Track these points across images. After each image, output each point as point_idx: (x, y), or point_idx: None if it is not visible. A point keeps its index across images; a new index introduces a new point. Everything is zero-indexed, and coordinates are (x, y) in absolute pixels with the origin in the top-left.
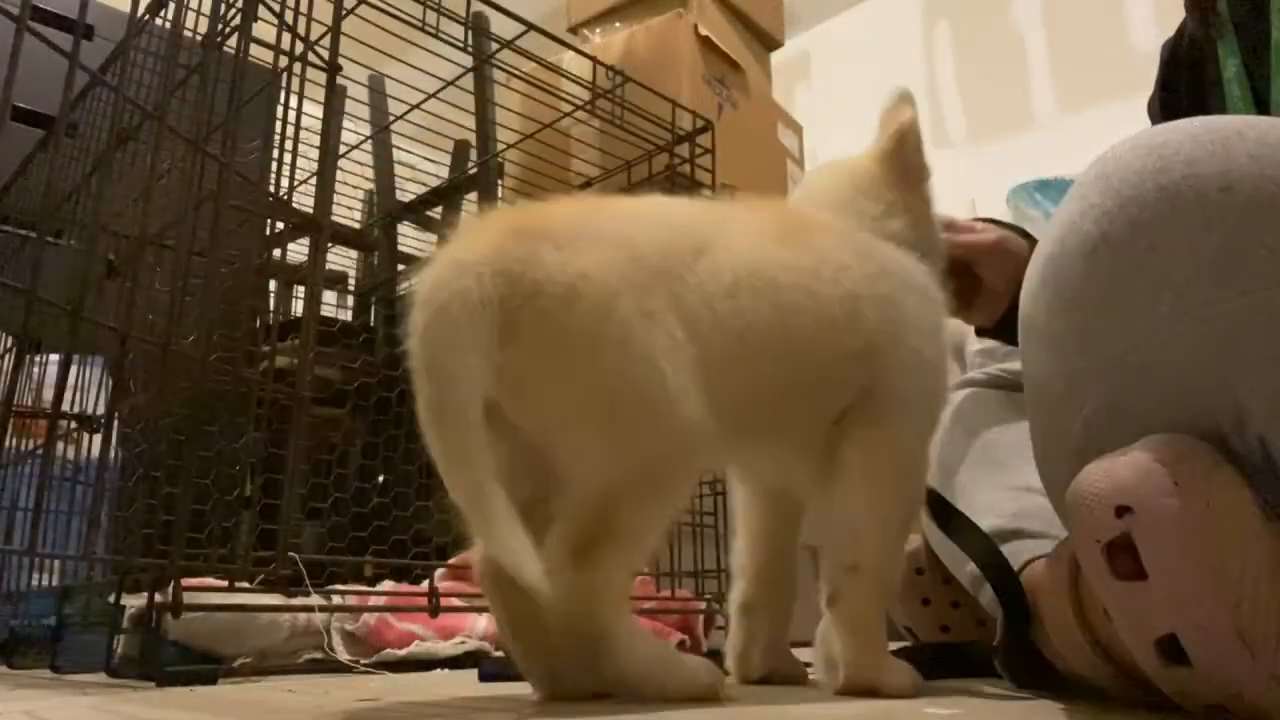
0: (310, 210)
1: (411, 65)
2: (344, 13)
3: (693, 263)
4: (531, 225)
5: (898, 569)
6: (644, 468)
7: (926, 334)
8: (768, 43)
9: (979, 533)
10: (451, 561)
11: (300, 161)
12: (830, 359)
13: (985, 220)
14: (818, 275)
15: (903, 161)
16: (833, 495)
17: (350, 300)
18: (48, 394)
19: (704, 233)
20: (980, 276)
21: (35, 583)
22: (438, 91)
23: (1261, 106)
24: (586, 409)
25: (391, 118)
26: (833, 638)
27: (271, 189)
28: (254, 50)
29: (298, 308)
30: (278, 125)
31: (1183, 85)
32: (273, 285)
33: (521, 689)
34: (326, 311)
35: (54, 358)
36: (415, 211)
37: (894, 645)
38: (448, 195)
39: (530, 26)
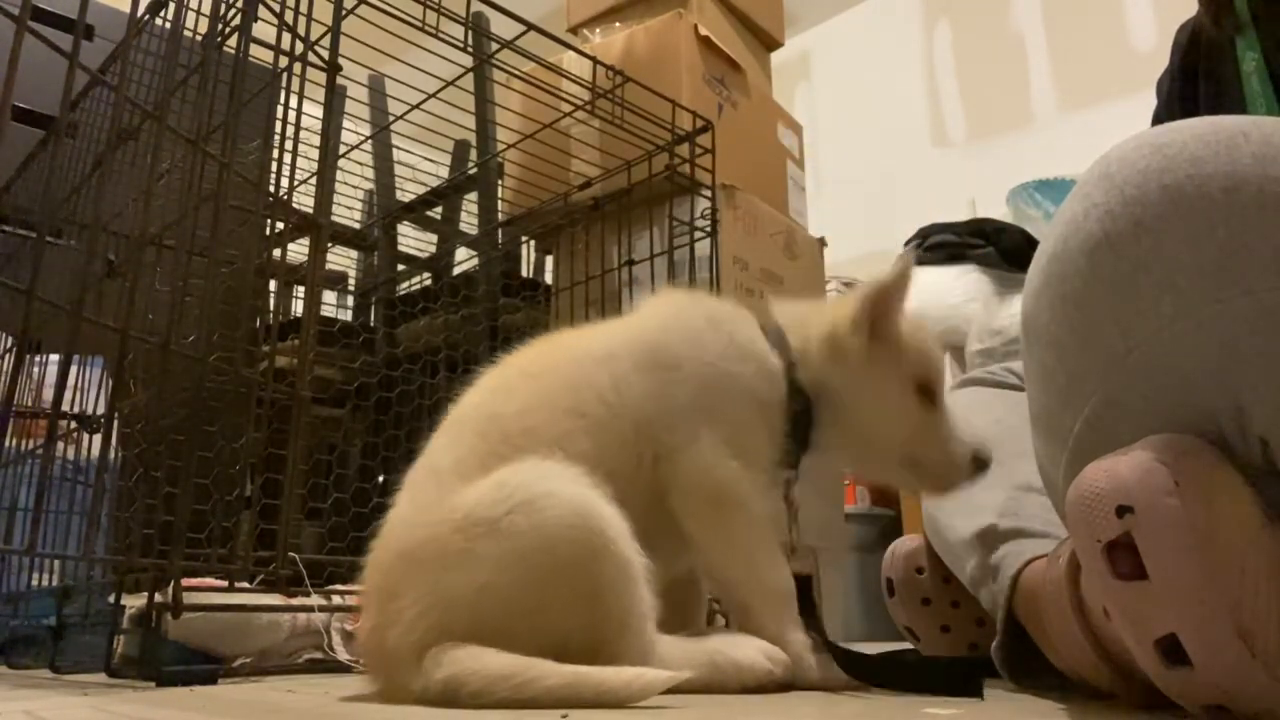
0: (310, 210)
1: (411, 65)
2: (344, 13)
3: None
4: None
5: (781, 580)
6: None
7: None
8: (768, 43)
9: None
10: None
11: (300, 161)
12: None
13: (984, 220)
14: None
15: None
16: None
17: (350, 300)
18: (48, 394)
19: None
20: None
21: (35, 583)
22: (438, 91)
23: None
24: None
25: (391, 118)
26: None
27: (271, 189)
28: (254, 50)
29: (298, 308)
30: (278, 125)
31: (1200, 77)
32: (273, 285)
33: None
34: (326, 311)
35: (54, 358)
36: (415, 211)
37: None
38: (448, 195)
39: (530, 26)
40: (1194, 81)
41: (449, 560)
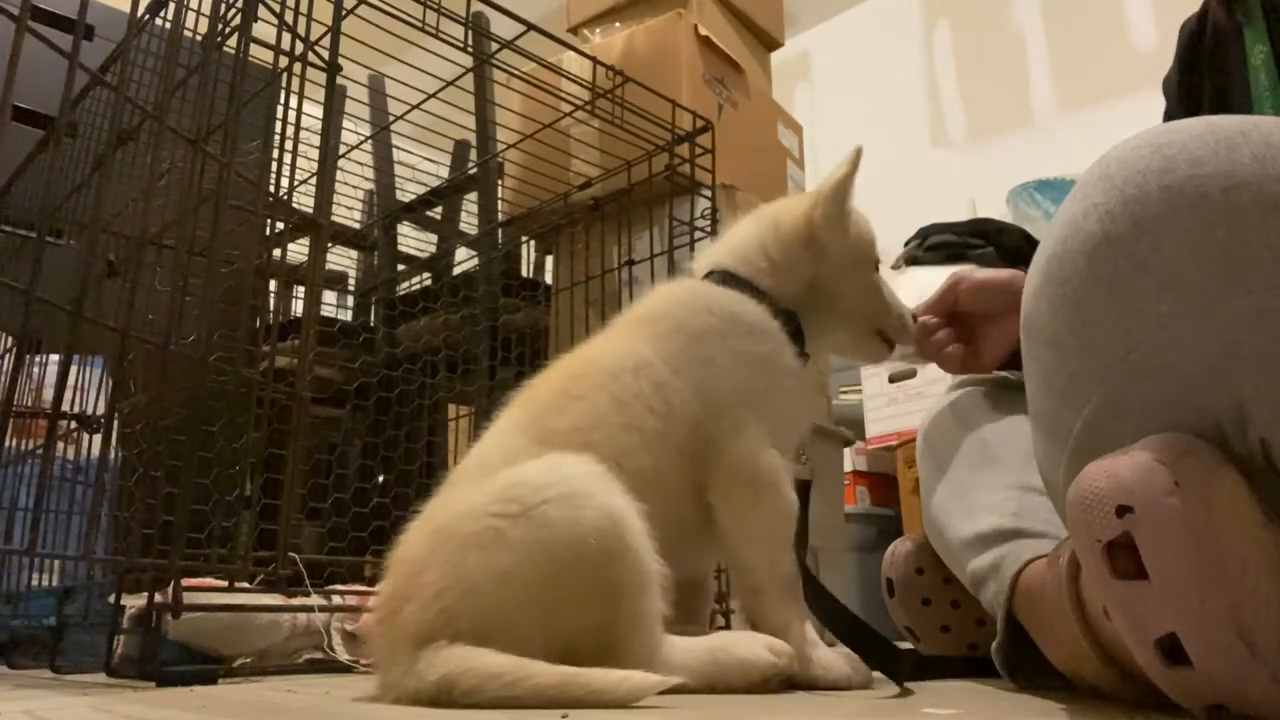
0: (310, 210)
1: (411, 65)
2: (344, 13)
3: None
4: None
5: (793, 571)
6: None
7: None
8: (768, 43)
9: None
10: None
11: (300, 161)
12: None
13: (984, 220)
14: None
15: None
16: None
17: (350, 300)
18: (48, 394)
19: None
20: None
21: (35, 583)
22: (438, 91)
23: None
24: None
25: (391, 118)
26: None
27: (271, 189)
28: (254, 50)
29: (298, 308)
30: (278, 125)
31: (1205, 71)
32: (273, 285)
33: None
34: (326, 311)
35: (54, 358)
36: (415, 211)
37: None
38: (447, 195)
39: (530, 26)
40: (1197, 76)
41: (478, 539)
